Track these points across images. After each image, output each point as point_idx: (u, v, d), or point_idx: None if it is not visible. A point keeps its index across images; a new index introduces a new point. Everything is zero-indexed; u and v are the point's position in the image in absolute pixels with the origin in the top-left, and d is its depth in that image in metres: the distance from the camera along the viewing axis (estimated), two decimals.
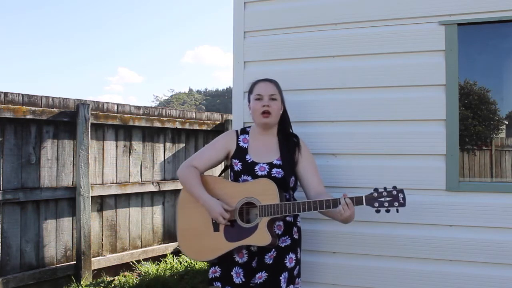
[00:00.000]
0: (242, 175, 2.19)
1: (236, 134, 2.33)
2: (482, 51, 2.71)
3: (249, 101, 2.30)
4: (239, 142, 2.29)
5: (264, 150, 2.24)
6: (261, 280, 2.08)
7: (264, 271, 2.10)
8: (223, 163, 2.41)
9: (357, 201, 2.00)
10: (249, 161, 2.21)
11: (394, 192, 1.98)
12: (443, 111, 2.48)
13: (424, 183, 2.50)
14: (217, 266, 2.19)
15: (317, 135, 2.66)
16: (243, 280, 2.12)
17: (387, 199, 1.98)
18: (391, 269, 2.54)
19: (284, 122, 2.32)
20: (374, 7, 2.61)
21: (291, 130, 2.35)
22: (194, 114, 5.60)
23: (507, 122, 2.75)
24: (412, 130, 2.53)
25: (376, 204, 1.99)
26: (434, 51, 2.51)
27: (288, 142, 2.27)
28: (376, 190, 2.00)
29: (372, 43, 2.61)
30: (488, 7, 2.42)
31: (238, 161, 2.23)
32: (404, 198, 1.97)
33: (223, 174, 2.52)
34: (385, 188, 2.00)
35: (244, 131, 2.35)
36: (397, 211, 2.00)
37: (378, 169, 2.57)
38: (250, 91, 2.30)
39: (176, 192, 5.22)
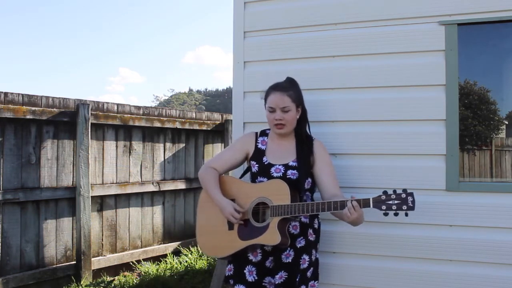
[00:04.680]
0: (259, 177, 2.23)
1: (255, 136, 2.35)
2: (482, 51, 2.71)
3: (265, 106, 2.27)
4: (257, 144, 2.32)
5: (281, 152, 2.26)
6: (282, 280, 2.12)
7: (283, 271, 2.13)
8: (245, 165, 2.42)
9: (364, 203, 1.95)
10: (265, 163, 2.23)
11: (403, 195, 1.92)
12: (443, 111, 2.48)
13: (424, 183, 2.49)
14: (232, 264, 2.26)
15: (317, 135, 2.64)
16: (256, 278, 2.16)
17: (396, 202, 1.92)
18: (391, 269, 2.54)
19: (301, 124, 2.30)
20: (374, 7, 2.61)
21: (308, 131, 2.35)
22: (194, 114, 5.60)
23: (507, 122, 2.75)
24: (412, 130, 2.53)
25: (384, 207, 1.92)
26: (434, 51, 2.51)
27: (305, 144, 2.26)
28: (385, 192, 1.94)
29: (372, 43, 2.61)
30: (488, 7, 2.42)
31: (255, 162, 2.26)
32: (413, 201, 1.90)
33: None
34: (394, 191, 1.93)
35: (264, 133, 2.37)
36: (406, 214, 1.92)
37: (378, 169, 2.57)
38: (266, 98, 2.26)
39: (176, 192, 5.23)
